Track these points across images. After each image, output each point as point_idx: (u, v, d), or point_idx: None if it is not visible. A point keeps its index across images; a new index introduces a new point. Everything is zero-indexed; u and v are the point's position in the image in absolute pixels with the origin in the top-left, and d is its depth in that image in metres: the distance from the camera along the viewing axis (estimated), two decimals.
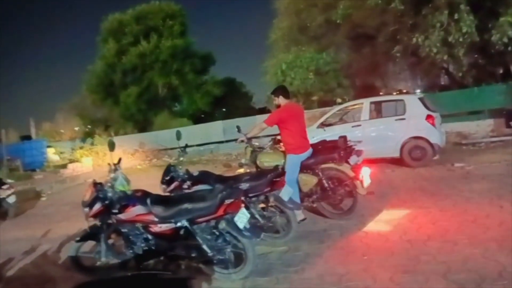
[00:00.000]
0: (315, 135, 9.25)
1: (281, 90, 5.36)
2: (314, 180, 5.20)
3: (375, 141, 8.88)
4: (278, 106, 5.34)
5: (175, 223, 3.74)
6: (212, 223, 3.76)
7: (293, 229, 4.68)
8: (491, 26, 10.14)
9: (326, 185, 5.27)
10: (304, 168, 5.23)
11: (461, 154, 10.00)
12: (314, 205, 5.38)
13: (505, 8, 9.87)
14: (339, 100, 17.79)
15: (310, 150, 5.31)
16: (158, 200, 3.94)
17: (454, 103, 13.65)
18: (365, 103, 9.62)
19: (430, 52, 10.94)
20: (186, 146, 5.68)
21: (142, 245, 3.87)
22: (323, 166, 5.29)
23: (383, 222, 5.08)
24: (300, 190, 5.18)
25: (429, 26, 10.88)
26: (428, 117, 8.76)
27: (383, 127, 9.18)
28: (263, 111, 23.02)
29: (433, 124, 8.72)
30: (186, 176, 5.01)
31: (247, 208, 4.40)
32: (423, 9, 11.18)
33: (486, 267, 3.42)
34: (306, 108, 17.16)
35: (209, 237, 3.78)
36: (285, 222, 4.71)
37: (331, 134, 8.73)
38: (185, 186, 4.98)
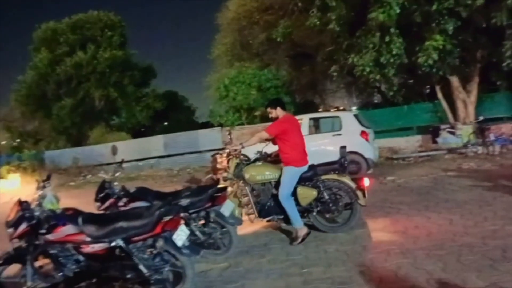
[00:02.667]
0: (258, 149, 9.38)
1: (278, 102, 5.28)
2: (314, 193, 5.03)
3: (315, 155, 9.13)
4: (276, 118, 5.17)
5: (109, 242, 3.55)
6: (149, 241, 3.61)
7: (234, 244, 4.65)
8: (418, 49, 10.95)
9: (327, 197, 5.11)
10: (303, 180, 5.07)
11: (392, 168, 10.62)
12: (311, 219, 5.17)
13: (430, 33, 10.75)
14: None
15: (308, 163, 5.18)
16: (90, 218, 3.72)
17: (386, 120, 14.65)
18: (305, 119, 9.92)
19: (363, 71, 11.58)
20: (123, 161, 5.45)
21: (73, 267, 3.61)
22: (324, 177, 5.16)
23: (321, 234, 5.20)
24: (298, 204, 4.99)
25: (363, 47, 11.53)
26: (362, 133, 9.24)
27: (321, 142, 9.50)
28: (206, 125, 22.90)
29: (367, 140, 9.20)
30: (122, 193, 4.79)
31: (186, 225, 4.31)
32: (357, 31, 11.85)
33: (415, 276, 3.61)
34: (249, 123, 17.36)
35: (146, 256, 3.62)
36: (226, 238, 4.66)
37: (274, 148, 8.88)
38: (121, 203, 4.75)
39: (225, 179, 5.27)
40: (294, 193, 4.99)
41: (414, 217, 5.47)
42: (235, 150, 5.28)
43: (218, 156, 7.06)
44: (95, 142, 21.74)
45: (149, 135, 21.29)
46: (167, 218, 3.54)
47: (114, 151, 5.44)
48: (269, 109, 5.24)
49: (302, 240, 4.87)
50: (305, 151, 5.18)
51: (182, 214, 4.28)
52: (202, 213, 4.53)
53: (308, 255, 4.49)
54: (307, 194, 5.01)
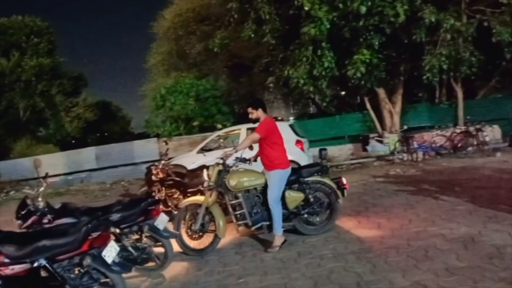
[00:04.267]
0: (195, 160, 9.28)
1: (260, 103, 5.08)
2: (301, 195, 5.06)
3: (253, 164, 9.25)
4: (256, 120, 5.03)
5: (31, 263, 3.28)
6: (76, 259, 3.39)
7: (170, 259, 4.52)
8: (347, 63, 11.57)
9: (312, 199, 5.15)
10: (288, 184, 5.02)
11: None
12: (295, 223, 5.12)
13: (358, 47, 11.42)
14: (219, 126, 18.18)
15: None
16: (9, 238, 3.41)
17: (320, 130, 15.30)
18: (242, 129, 10.02)
19: (298, 83, 11.97)
20: (46, 175, 5.07)
21: None
22: (308, 179, 5.20)
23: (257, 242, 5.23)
24: (285, 207, 4.95)
25: (297, 60, 11.94)
26: (298, 142, 9.50)
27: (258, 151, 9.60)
28: (141, 136, 22.20)
29: (302, 149, 9.48)
30: (46, 209, 4.46)
31: (118, 240, 4.13)
32: (291, 44, 12.26)
33: (346, 279, 3.75)
34: (187, 133, 17.13)
35: (72, 275, 3.40)
36: (161, 252, 4.52)
37: (212, 159, 8.84)
38: (45, 220, 4.42)
39: (210, 188, 4.97)
40: (282, 197, 4.95)
41: (345, 222, 5.70)
42: (227, 155, 4.96)
43: (153, 167, 6.84)
44: (19, 155, 20.10)
45: (81, 147, 20.12)
46: (95, 234, 3.36)
47: (37, 164, 5.03)
48: (250, 109, 5.04)
49: (278, 249, 4.82)
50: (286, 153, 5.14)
51: (112, 230, 4.11)
52: (135, 228, 4.35)
53: (245, 264, 4.50)
54: (295, 197, 5.04)
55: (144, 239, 4.43)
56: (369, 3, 10.12)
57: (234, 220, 5.00)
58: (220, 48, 14.19)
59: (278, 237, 4.90)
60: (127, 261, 3.79)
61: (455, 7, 11.10)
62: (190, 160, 9.33)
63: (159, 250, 4.52)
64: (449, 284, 3.38)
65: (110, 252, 3.38)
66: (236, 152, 4.90)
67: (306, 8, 10.46)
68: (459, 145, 11.87)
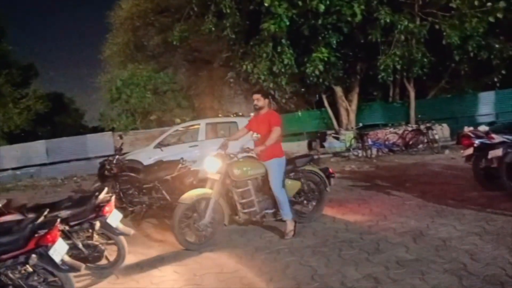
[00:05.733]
0: (152, 155, 9.05)
1: (270, 94, 5.04)
2: (299, 184, 5.26)
3: None
4: (260, 108, 5.04)
5: None
6: (21, 258, 3.21)
7: (123, 257, 4.37)
8: (306, 60, 11.74)
9: (306, 188, 5.37)
10: (286, 172, 5.10)
11: None
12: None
13: (316, 45, 11.61)
14: (177, 120, 17.88)
15: None
16: None
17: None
18: (202, 124, 9.92)
19: (258, 79, 12.02)
20: None
21: None
22: (302, 168, 5.40)
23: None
24: None
25: (257, 56, 11.97)
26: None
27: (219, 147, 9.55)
28: (96, 129, 21.40)
29: None
30: None
31: (67, 238, 3.95)
32: (251, 40, 12.26)
33: (302, 273, 3.81)
34: (144, 127, 16.72)
35: (18, 275, 3.22)
36: (114, 250, 4.37)
37: (169, 154, 8.67)
38: None
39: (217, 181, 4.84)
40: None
41: None
42: (225, 145, 5.01)
43: (107, 162, 6.59)
44: None
45: (30, 141, 19.08)
46: (42, 232, 3.19)
47: None
48: (258, 96, 5.04)
49: (295, 233, 4.87)
50: None
51: (61, 227, 3.92)
52: (86, 225, 4.16)
53: (202, 261, 4.45)
54: (293, 186, 5.22)
55: (96, 237, 4.25)
56: (328, 2, 10.32)
57: (240, 208, 4.96)
58: (180, 41, 13.94)
59: (289, 221, 4.95)
60: (77, 260, 3.64)
61: (409, 10, 11.54)
62: (147, 155, 9.09)
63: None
64: (399, 276, 3.52)
65: (58, 250, 3.23)
66: (265, 148, 4.80)
67: (266, 4, 10.50)
68: (411, 142, 12.42)
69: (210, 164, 4.99)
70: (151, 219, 6.44)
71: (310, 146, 14.30)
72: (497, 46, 11.58)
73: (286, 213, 4.95)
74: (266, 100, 5.11)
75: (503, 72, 13.01)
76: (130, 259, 4.51)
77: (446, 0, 10.72)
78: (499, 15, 10.08)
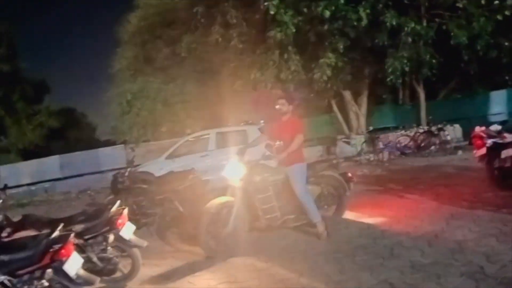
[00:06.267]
0: (163, 166, 9.11)
1: (295, 100, 5.21)
2: (319, 188, 5.29)
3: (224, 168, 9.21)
4: (282, 113, 5.05)
5: None
6: (38, 273, 3.27)
7: (138, 269, 4.39)
8: (314, 66, 11.76)
9: (326, 193, 5.39)
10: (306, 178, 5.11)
11: None
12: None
13: (323, 51, 11.63)
14: (188, 130, 17.99)
15: None
16: None
17: None
18: (211, 134, 9.98)
19: (266, 87, 12.07)
20: (6, 187, 4.85)
21: None
22: (322, 173, 5.42)
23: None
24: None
25: (264, 64, 12.04)
26: (268, 145, 9.51)
27: (230, 155, 9.57)
28: (108, 143, 21.64)
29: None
30: (4, 222, 4.26)
31: (82, 252, 3.99)
32: (258, 48, 12.34)
33: (316, 280, 3.78)
34: (155, 139, 16.85)
35: None
36: (128, 262, 4.40)
37: (181, 164, 8.72)
38: (4, 234, 4.21)
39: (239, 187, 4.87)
40: None
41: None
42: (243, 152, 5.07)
43: (119, 175, 6.67)
44: None
45: (44, 156, 19.40)
46: (56, 247, 3.24)
47: None
48: (283, 101, 5.04)
49: (327, 232, 4.91)
50: None
51: (76, 241, 3.96)
52: (100, 238, 4.21)
53: (215, 271, 4.43)
54: (314, 190, 5.21)
55: (110, 250, 4.29)
56: (333, 8, 10.32)
57: (261, 214, 4.94)
58: (188, 52, 14.10)
59: (319, 223, 4.95)
60: (92, 273, 3.67)
61: (415, 11, 11.50)
62: (158, 166, 9.17)
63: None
64: (414, 281, 3.47)
65: (73, 264, 3.28)
66: (287, 155, 4.83)
67: (272, 12, 10.55)
68: (422, 144, 12.27)
69: (231, 171, 5.00)
70: (165, 230, 6.46)
71: (328, 151, 14.25)
72: (506, 44, 11.44)
73: (315, 216, 4.95)
74: (291, 106, 5.07)
75: None
76: (144, 271, 4.53)
77: (453, 0, 10.65)
78: (507, 13, 9.98)
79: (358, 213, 5.96)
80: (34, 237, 3.42)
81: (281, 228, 5.18)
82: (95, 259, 4.12)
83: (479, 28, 10.57)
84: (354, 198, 7.08)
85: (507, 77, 13.32)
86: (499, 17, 10.11)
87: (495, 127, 6.10)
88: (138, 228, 5.01)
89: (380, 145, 12.43)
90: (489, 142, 5.83)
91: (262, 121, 10.71)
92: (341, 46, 11.48)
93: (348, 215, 5.89)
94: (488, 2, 10.15)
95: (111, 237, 4.18)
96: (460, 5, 10.50)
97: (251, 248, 4.99)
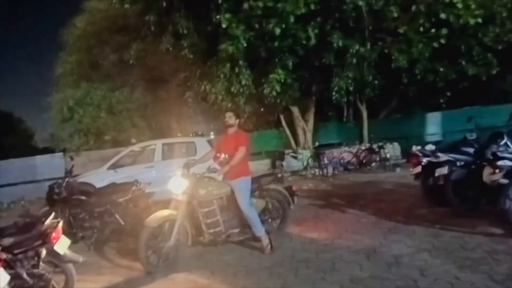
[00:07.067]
0: (105, 177, 8.71)
1: (241, 115, 5.20)
2: (263, 202, 5.33)
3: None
4: (229, 126, 5.14)
5: None
6: None
7: (72, 285, 4.13)
8: (264, 81, 11.96)
9: (270, 206, 5.44)
10: (251, 191, 5.10)
11: None
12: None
13: (274, 67, 11.87)
14: (133, 140, 17.43)
15: None
16: None
17: None
18: (158, 145, 9.73)
19: (216, 99, 12.08)
20: None
21: None
22: (267, 187, 5.46)
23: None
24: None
25: (215, 76, 12.06)
26: (216, 157, 9.46)
27: (176, 168, 9.38)
28: (46, 150, 20.37)
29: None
30: None
31: (10, 267, 3.69)
32: (209, 60, 12.35)
33: None
34: (98, 148, 16.14)
35: None
36: (62, 279, 4.13)
37: (124, 176, 8.39)
38: None
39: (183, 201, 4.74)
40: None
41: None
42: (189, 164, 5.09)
43: (55, 185, 6.28)
44: None
45: None
46: None
47: None
48: (232, 114, 5.20)
49: (271, 245, 4.95)
50: None
51: (4, 256, 3.66)
52: (31, 253, 3.91)
53: (156, 287, 4.30)
54: (259, 204, 5.25)
55: (42, 265, 4.00)
56: (283, 26, 10.59)
57: (205, 229, 4.86)
58: (136, 59, 13.77)
59: (263, 236, 4.99)
60: None
61: (361, 34, 12.12)
62: (99, 177, 8.76)
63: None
64: None
65: None
66: (229, 168, 4.85)
67: (224, 26, 10.62)
68: (364, 161, 12.85)
69: (176, 184, 4.89)
70: (103, 245, 6.16)
71: (274, 165, 14.43)
72: (442, 70, 12.36)
73: (259, 229, 4.99)
74: (237, 120, 5.22)
75: (448, 94, 13.89)
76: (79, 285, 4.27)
77: (394, 25, 11.35)
78: (442, 41, 10.80)
79: (302, 227, 6.07)
80: None
81: (225, 243, 5.15)
82: (24, 275, 3.81)
83: (418, 53, 11.34)
84: (298, 212, 7.23)
85: (441, 100, 14.34)
86: (435, 44, 10.90)
87: (430, 147, 6.52)
88: (74, 242, 4.75)
89: (325, 160, 12.81)
90: (424, 161, 6.21)
91: (212, 133, 10.69)
92: (291, 63, 11.80)
93: (292, 229, 5.98)
94: (425, 29, 10.91)
95: (44, 252, 3.89)
96: (401, 30, 11.20)
97: (194, 263, 4.90)
